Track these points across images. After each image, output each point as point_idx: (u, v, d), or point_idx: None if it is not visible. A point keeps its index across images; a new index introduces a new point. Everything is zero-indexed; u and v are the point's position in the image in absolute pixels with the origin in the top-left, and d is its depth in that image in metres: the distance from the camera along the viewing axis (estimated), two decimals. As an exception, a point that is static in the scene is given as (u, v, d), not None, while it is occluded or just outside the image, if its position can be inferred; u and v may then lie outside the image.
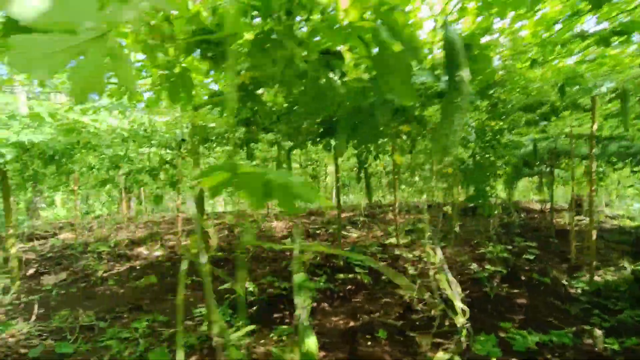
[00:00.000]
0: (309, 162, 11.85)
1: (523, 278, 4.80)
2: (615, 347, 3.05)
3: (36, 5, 0.59)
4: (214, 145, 4.84)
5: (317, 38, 1.61)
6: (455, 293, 2.92)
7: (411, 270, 6.12)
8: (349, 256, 6.49)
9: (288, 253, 7.48)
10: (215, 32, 1.56)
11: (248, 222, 10.92)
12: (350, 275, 5.24)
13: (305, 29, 1.65)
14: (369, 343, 3.19)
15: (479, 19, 2.08)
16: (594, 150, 5.62)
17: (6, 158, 3.37)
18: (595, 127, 4.64)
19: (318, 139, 4.48)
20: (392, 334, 3.37)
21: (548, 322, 3.60)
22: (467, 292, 4.33)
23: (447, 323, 3.39)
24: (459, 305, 2.89)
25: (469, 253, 7.40)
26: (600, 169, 11.06)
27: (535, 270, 5.17)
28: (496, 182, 5.02)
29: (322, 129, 3.91)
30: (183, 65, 1.84)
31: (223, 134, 3.89)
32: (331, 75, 1.73)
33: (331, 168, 11.06)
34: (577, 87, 3.14)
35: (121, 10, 0.67)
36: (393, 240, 8.35)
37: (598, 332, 3.18)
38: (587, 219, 12.72)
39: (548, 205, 17.08)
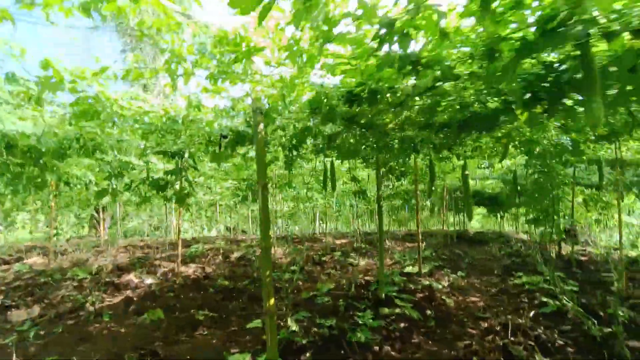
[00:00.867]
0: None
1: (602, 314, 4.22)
2: None
3: None
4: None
5: None
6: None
7: (449, 302, 5.45)
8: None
9: (300, 283, 6.61)
10: None
11: (244, 247, 9.94)
12: (397, 310, 4.48)
13: None
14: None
15: None
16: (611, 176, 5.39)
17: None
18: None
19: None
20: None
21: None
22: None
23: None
24: None
25: (500, 282, 6.84)
26: (604, 198, 11.06)
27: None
28: (560, 204, 4.50)
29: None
30: None
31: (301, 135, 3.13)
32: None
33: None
34: None
35: None
36: (410, 268, 7.66)
37: None
38: (587, 249, 12.55)
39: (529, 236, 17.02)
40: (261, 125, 2.44)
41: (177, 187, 4.23)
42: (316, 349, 3.23)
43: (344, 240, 13.42)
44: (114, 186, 4.45)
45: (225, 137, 3.05)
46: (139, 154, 4.09)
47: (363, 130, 2.87)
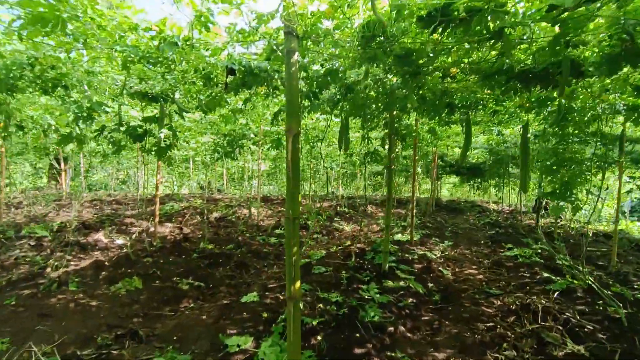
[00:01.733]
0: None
1: (607, 293, 4.07)
2: None
3: None
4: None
5: None
6: None
7: (447, 274, 5.21)
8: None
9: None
10: None
11: (223, 207, 9.33)
12: (402, 283, 4.14)
13: None
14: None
15: None
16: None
17: None
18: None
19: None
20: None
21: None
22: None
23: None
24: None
25: (490, 254, 6.72)
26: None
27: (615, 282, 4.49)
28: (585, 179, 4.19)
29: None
30: None
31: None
32: None
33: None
34: None
35: None
36: (400, 236, 7.40)
37: None
38: (559, 221, 12.77)
39: (501, 206, 17.47)
40: (295, 55, 1.80)
41: (161, 136, 3.52)
42: (328, 331, 2.81)
43: (325, 204, 13.09)
44: (80, 132, 3.66)
45: (233, 72, 2.37)
46: (114, 94, 3.30)
47: (407, 76, 2.30)
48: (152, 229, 5.45)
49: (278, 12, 1.77)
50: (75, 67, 2.72)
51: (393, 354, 2.61)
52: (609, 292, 4.10)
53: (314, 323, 2.82)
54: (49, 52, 2.42)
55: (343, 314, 3.06)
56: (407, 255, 5.61)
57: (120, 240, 5.58)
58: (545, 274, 4.88)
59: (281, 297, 3.44)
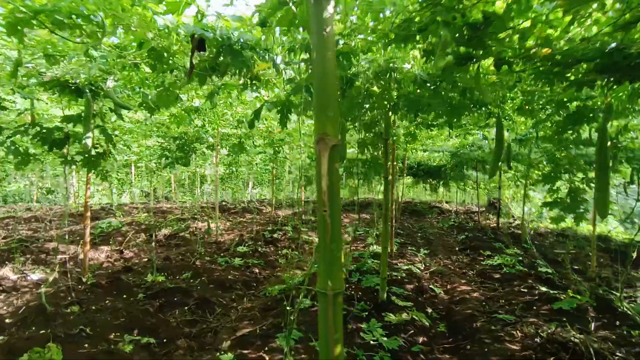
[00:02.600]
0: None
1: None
2: None
3: None
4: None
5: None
6: None
7: (440, 292, 4.65)
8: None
9: (257, 270, 5.27)
10: None
11: (173, 221, 8.10)
12: (404, 316, 3.46)
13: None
14: None
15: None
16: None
17: None
18: None
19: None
20: None
21: None
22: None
23: None
24: None
25: (472, 263, 6.33)
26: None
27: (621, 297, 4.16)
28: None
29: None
30: None
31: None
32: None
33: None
34: None
35: None
36: (376, 247, 6.79)
37: None
38: (516, 221, 13.07)
39: (453, 206, 17.85)
40: (330, 7, 1.01)
41: (88, 143, 2.51)
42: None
43: (288, 212, 12.21)
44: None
45: (203, 46, 1.49)
46: (18, 86, 2.24)
47: (464, 60, 1.62)
48: (83, 257, 4.26)
49: None
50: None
51: None
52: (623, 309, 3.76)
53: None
54: None
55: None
56: (394, 273, 4.96)
57: (36, 275, 4.33)
58: (542, 288, 4.49)
59: (267, 358, 2.58)
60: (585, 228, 12.30)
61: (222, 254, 5.82)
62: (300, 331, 3.03)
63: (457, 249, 7.70)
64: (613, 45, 1.49)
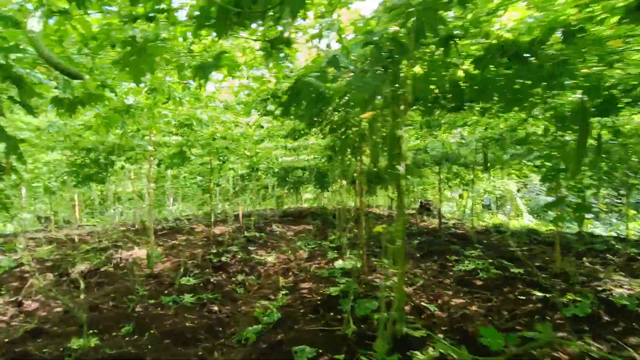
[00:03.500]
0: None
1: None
2: None
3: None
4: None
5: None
6: None
7: (437, 312, 4.19)
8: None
9: (216, 308, 4.23)
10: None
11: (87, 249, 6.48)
12: (431, 351, 2.87)
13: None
14: None
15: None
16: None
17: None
18: None
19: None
20: None
21: None
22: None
23: None
24: None
25: (443, 269, 6.06)
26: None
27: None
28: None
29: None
30: None
31: None
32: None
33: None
34: None
35: None
36: (343, 263, 6.21)
37: None
38: (450, 221, 13.63)
39: (387, 211, 18.28)
40: None
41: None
42: None
43: (223, 228, 10.93)
44: None
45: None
46: None
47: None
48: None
49: None
50: None
51: None
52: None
53: None
54: None
55: None
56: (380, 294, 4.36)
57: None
58: (537, 293, 4.32)
59: None
60: (510, 223, 13.32)
61: (165, 291, 4.64)
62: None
63: (418, 255, 7.45)
64: None
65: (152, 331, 3.37)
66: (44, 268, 5.53)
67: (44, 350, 2.87)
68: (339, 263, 6.19)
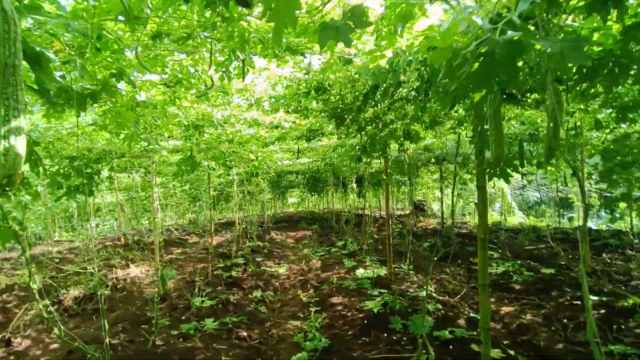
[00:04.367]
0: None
1: None
2: None
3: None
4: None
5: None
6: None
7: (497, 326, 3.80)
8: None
9: (245, 334, 3.68)
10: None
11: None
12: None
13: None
14: None
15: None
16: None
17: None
18: None
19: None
20: None
21: None
22: None
23: None
24: None
25: (473, 274, 5.71)
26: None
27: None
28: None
29: None
30: None
31: None
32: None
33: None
34: None
35: None
36: (364, 271, 5.79)
37: None
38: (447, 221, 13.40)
39: (380, 213, 18.09)
40: None
41: None
42: None
43: (219, 238, 10.24)
44: None
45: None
46: None
47: None
48: None
49: None
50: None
51: None
52: None
53: None
54: None
55: None
56: (427, 307, 3.96)
57: None
58: (592, 297, 4.01)
59: None
60: (508, 221, 13.27)
61: (182, 317, 4.03)
62: None
63: (435, 259, 7.09)
64: None
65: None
66: (29, 295, 4.79)
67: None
68: (360, 272, 5.75)
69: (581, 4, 1.46)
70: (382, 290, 4.67)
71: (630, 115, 3.31)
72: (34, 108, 3.68)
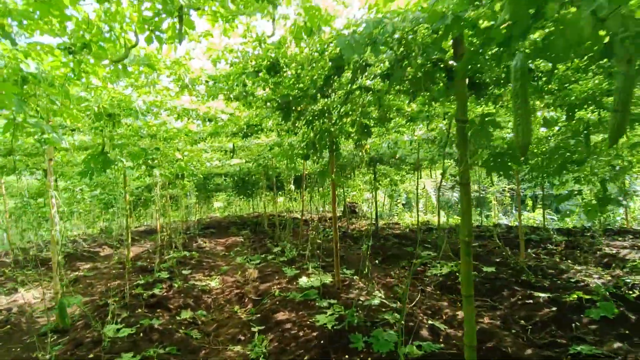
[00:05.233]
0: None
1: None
2: None
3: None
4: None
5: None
6: None
7: (445, 329, 3.61)
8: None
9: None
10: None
11: None
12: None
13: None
14: None
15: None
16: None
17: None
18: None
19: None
20: None
21: None
22: None
23: None
24: None
25: (419, 277, 5.59)
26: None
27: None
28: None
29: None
30: None
31: None
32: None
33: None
34: None
35: None
36: (307, 280, 5.37)
37: None
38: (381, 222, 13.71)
39: (311, 215, 18.00)
40: None
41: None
42: None
43: (137, 249, 8.93)
44: None
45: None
46: None
47: None
48: None
49: None
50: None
51: None
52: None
53: None
54: None
55: None
56: (385, 317, 3.67)
57: None
58: (541, 294, 4.05)
59: None
60: (434, 221, 13.89)
61: (90, 355, 3.16)
62: None
63: (376, 261, 6.95)
64: None
65: None
66: None
67: None
68: (304, 281, 5.28)
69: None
70: (332, 301, 4.26)
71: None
72: None
